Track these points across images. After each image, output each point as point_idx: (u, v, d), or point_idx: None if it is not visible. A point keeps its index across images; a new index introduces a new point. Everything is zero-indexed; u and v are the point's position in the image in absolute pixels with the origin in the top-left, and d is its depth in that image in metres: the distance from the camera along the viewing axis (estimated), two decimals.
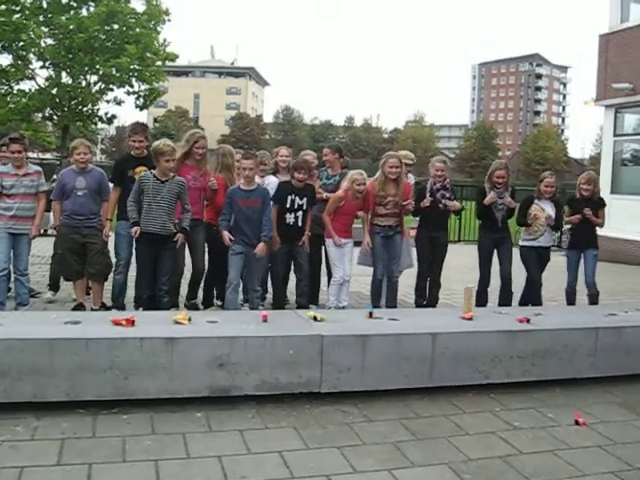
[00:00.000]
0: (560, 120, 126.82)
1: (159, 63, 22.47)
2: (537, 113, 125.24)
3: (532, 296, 7.55)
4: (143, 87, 22.27)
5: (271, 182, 7.50)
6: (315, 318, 5.24)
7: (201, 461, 3.85)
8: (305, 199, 7.23)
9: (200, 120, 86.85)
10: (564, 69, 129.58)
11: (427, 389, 5.16)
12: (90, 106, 22.54)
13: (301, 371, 4.77)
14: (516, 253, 7.79)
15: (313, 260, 7.58)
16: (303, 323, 5.19)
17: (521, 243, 7.78)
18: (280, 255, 7.21)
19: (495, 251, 7.67)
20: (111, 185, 7.08)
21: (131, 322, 4.74)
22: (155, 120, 77.14)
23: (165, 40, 22.67)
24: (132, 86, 22.42)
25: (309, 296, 7.59)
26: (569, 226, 8.27)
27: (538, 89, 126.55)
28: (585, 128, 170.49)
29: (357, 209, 7.35)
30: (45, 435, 4.07)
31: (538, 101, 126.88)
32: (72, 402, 4.40)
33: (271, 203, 7.16)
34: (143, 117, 71.38)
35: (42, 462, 3.73)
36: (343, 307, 7.42)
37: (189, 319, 4.97)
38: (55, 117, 22.96)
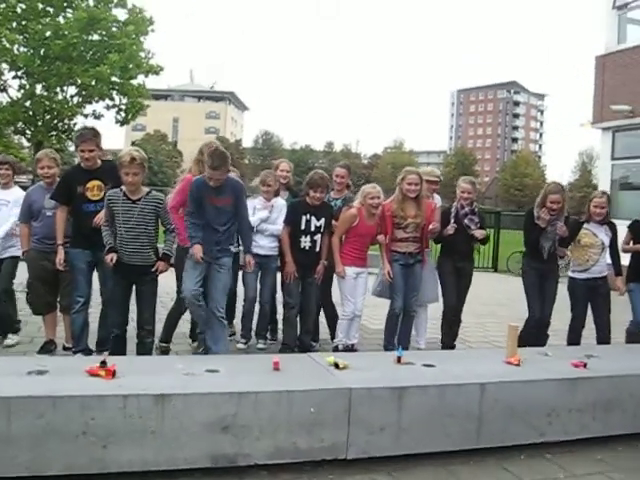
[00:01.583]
0: (537, 147, 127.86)
1: (142, 77, 21.35)
2: (515, 140, 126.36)
3: (574, 336, 6.59)
4: (124, 100, 21.06)
5: (278, 205, 6.62)
6: (337, 365, 4.31)
7: None
8: (323, 220, 6.34)
9: (179, 144, 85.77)
10: (541, 97, 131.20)
11: (472, 451, 4.25)
12: (67, 120, 21.22)
13: (324, 433, 3.83)
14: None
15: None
16: (323, 372, 4.24)
17: (570, 274, 6.75)
18: (293, 286, 6.31)
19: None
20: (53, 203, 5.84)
21: (111, 373, 3.78)
22: (133, 143, 75.70)
23: (149, 52, 21.50)
24: (112, 99, 21.19)
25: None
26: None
27: (516, 116, 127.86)
28: (562, 155, 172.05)
29: (373, 231, 6.45)
30: None
31: (515, 128, 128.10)
32: (34, 477, 3.42)
33: (272, 219, 6.31)
34: (121, 139, 70.37)
35: None
36: (352, 345, 6.52)
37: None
38: (28, 132, 21.59)
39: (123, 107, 21.15)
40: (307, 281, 6.36)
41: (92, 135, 5.70)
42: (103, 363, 3.87)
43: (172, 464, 3.57)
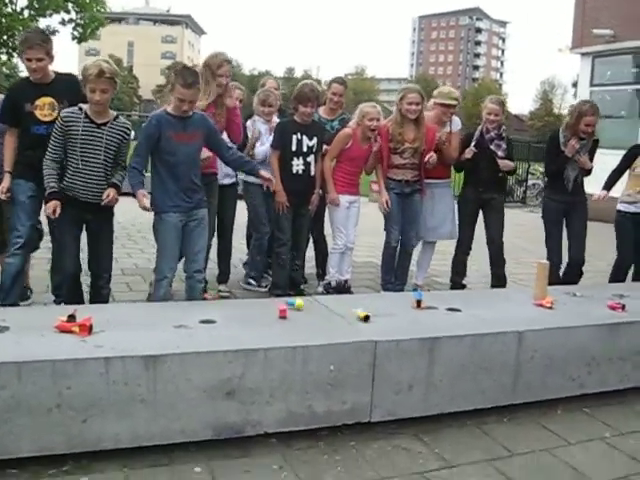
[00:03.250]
0: (499, 75, 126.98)
1: None
2: (476, 67, 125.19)
3: (617, 279, 5.89)
4: (81, 14, 19.16)
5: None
6: (367, 318, 3.62)
7: None
8: (315, 139, 5.57)
9: (135, 69, 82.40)
10: (503, 24, 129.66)
11: (504, 407, 3.73)
12: (17, 36, 19.21)
13: (345, 394, 3.24)
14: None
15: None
16: (338, 321, 3.62)
17: (617, 207, 5.99)
18: (284, 219, 5.60)
19: (564, 220, 5.91)
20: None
21: (87, 329, 3.10)
22: None
23: None
24: (68, 11, 19.26)
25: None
26: None
27: (477, 44, 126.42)
28: (524, 84, 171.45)
29: (366, 154, 5.75)
30: None
31: (477, 55, 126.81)
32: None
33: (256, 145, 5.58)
34: (74, 64, 67.33)
35: None
36: (345, 281, 5.93)
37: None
38: None
39: (81, 22, 19.24)
40: (299, 212, 5.65)
41: (41, 40, 4.54)
42: (71, 317, 3.19)
43: (167, 437, 2.95)
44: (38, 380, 2.71)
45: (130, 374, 2.84)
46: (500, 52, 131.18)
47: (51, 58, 4.64)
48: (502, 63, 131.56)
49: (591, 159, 5.80)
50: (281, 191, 5.51)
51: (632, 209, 5.86)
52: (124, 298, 5.61)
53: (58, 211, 4.11)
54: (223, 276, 5.94)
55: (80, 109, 4.20)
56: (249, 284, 6.18)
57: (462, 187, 6.31)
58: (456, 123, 6.16)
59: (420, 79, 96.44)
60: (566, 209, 5.85)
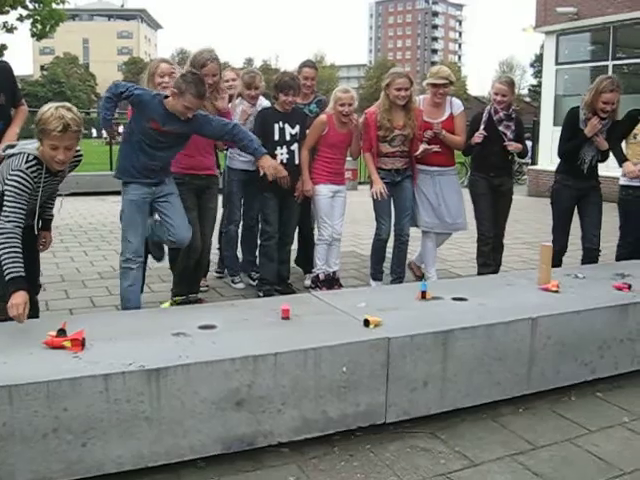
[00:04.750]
0: (457, 58, 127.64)
1: None
2: (434, 51, 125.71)
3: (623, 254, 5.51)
4: (40, 9, 18.29)
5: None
6: (366, 322, 3.37)
7: None
8: (298, 127, 5.39)
9: (91, 66, 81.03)
10: (459, 7, 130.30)
11: (515, 398, 3.59)
12: None
13: (359, 396, 3.06)
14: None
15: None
16: (346, 319, 3.42)
17: (620, 182, 5.59)
18: (272, 211, 5.40)
19: (576, 206, 5.51)
20: None
21: (79, 343, 2.86)
22: (42, 68, 71.18)
23: None
24: (25, 7, 18.44)
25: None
26: None
27: (435, 27, 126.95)
28: (482, 66, 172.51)
29: (346, 139, 5.57)
30: None
31: (435, 39, 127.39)
32: None
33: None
34: (29, 63, 65.67)
35: None
36: (334, 273, 5.75)
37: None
38: None
39: (39, 17, 18.42)
40: (286, 204, 5.46)
41: None
42: (61, 331, 2.94)
43: (174, 456, 2.74)
44: (32, 404, 2.47)
45: (132, 390, 2.61)
46: (457, 35, 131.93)
47: None
48: (460, 46, 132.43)
49: (628, 128, 5.37)
50: (278, 166, 5.00)
51: (637, 183, 5.38)
52: (106, 303, 5.38)
53: (27, 310, 3.08)
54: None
55: (40, 163, 3.39)
56: (233, 282, 6.01)
57: (470, 174, 6.07)
58: (457, 105, 5.85)
59: (381, 65, 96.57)
60: (579, 196, 5.47)
